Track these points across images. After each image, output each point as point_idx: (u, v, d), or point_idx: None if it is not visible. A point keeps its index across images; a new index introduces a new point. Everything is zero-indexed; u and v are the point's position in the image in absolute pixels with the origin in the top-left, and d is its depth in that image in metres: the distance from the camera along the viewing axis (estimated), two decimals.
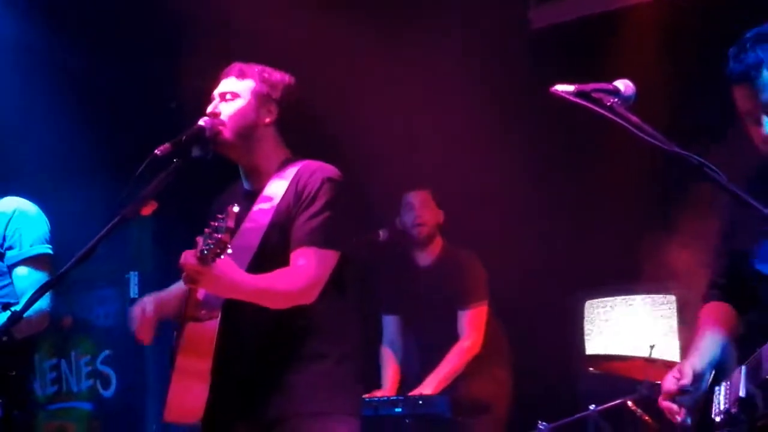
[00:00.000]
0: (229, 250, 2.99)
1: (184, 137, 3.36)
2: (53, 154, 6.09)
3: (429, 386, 5.31)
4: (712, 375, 3.11)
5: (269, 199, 3.40)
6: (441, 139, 6.09)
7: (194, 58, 5.96)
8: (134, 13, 5.93)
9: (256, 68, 3.57)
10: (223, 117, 3.45)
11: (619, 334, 5.77)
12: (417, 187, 5.73)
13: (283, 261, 3.28)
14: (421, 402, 5.14)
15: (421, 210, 5.62)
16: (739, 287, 3.16)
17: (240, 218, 3.23)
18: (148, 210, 4.47)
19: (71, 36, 5.94)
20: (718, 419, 2.99)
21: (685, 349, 3.24)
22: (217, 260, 2.99)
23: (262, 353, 3.31)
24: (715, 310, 3.23)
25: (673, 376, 3.06)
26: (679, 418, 3.03)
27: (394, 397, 5.28)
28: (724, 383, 3.01)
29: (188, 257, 3.04)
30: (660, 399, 3.09)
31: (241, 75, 3.54)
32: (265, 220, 3.35)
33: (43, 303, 3.99)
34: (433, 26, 6.09)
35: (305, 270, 3.25)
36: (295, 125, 3.55)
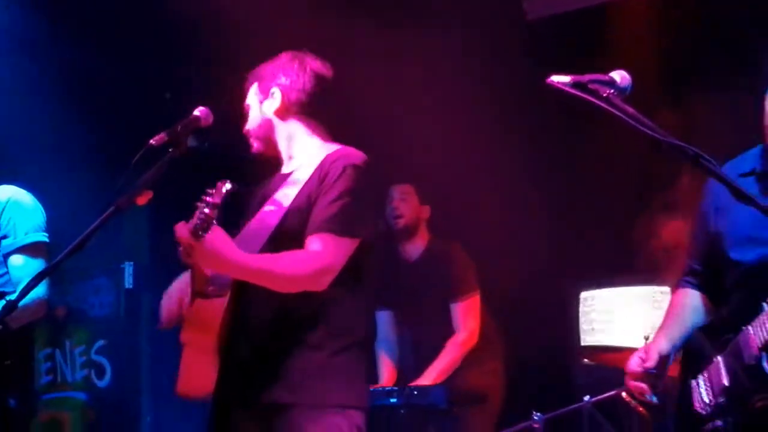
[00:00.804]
0: (214, 227, 2.96)
1: (179, 127, 3.36)
2: (48, 144, 6.08)
3: (427, 378, 5.32)
4: (680, 361, 3.23)
5: (294, 183, 3.36)
6: (435, 132, 6.09)
7: (189, 50, 5.97)
8: (129, 5, 5.91)
9: (259, 69, 3.60)
10: (250, 132, 3.54)
11: (614, 326, 5.78)
12: (402, 181, 5.75)
13: (298, 246, 3.21)
14: (416, 392, 5.14)
15: (398, 202, 5.65)
16: (714, 273, 3.25)
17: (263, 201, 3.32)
18: (143, 200, 4.47)
19: (66, 27, 5.92)
20: (703, 412, 3.05)
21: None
22: (206, 235, 2.96)
23: (263, 338, 3.25)
24: (685, 297, 3.34)
25: (639, 357, 3.18)
26: (647, 397, 3.15)
27: (389, 388, 5.29)
28: (701, 376, 3.07)
29: (181, 230, 3.03)
30: (626, 379, 3.21)
31: (249, 82, 3.59)
32: (286, 204, 3.31)
33: (40, 290, 3.97)
34: (428, 18, 6.08)
35: (318, 256, 3.16)
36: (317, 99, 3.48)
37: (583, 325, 5.99)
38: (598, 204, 5.95)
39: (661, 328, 3.32)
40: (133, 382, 6.97)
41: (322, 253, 3.16)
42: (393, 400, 5.14)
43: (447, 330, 5.51)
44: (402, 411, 5.14)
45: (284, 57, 3.56)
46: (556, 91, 2.68)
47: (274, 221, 3.29)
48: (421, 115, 6.08)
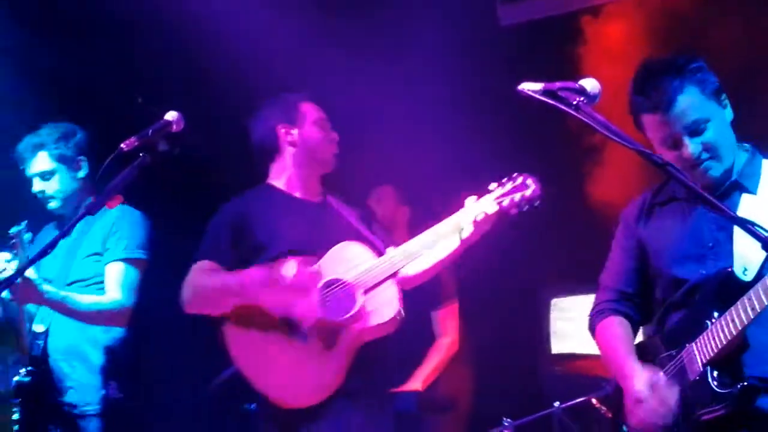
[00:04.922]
0: None
1: (150, 131, 3.34)
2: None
3: (416, 383, 5.30)
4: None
5: (341, 211, 4.15)
6: (409, 135, 6.09)
7: (162, 53, 5.94)
8: (103, 8, 5.87)
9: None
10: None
11: (585, 333, 5.80)
12: (382, 182, 5.76)
13: None
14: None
15: (372, 203, 5.64)
16: (640, 295, 3.32)
17: (322, 219, 4.06)
18: (113, 204, 4.45)
19: (37, 30, 5.88)
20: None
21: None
22: None
23: None
24: (620, 326, 3.32)
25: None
26: None
27: None
28: None
29: None
30: None
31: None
32: (352, 229, 4.08)
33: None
34: (402, 22, 6.09)
35: None
36: None
37: (554, 332, 6.01)
38: (572, 210, 5.96)
39: (634, 365, 3.16)
40: None
41: None
42: None
43: (419, 334, 5.50)
44: None
45: None
46: (527, 98, 2.68)
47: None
48: (396, 119, 6.09)
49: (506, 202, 3.75)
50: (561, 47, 5.96)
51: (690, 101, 3.03)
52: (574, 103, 2.63)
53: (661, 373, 3.06)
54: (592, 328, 3.41)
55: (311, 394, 3.82)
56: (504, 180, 3.82)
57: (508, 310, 6.04)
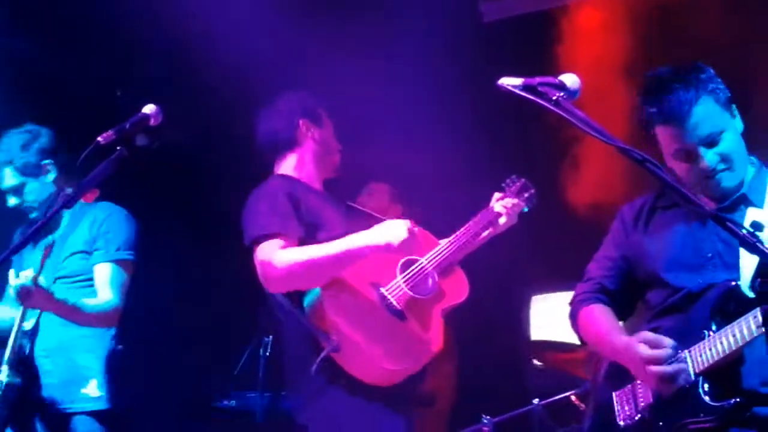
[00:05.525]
0: None
1: (128, 125, 3.31)
2: None
3: None
4: (598, 369, 3.27)
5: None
6: (392, 132, 6.08)
7: (141, 47, 5.91)
8: (99, 7, 5.83)
9: None
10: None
11: (564, 329, 5.81)
12: (376, 180, 5.75)
13: None
14: None
15: (363, 197, 5.63)
16: (627, 296, 3.31)
17: (352, 212, 4.17)
18: (89, 198, 4.43)
19: (15, 21, 5.84)
20: (624, 423, 3.09)
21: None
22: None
23: None
24: (607, 312, 3.30)
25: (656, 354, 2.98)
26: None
27: None
28: (625, 389, 3.12)
29: None
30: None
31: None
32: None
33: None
34: (386, 19, 6.07)
35: None
36: None
37: (535, 328, 6.01)
38: (551, 208, 5.96)
39: (613, 331, 3.19)
40: None
41: None
42: None
43: None
44: None
45: None
46: (507, 93, 2.66)
47: None
48: (377, 117, 6.07)
49: (521, 198, 4.39)
50: (544, 43, 5.96)
51: (705, 112, 3.00)
52: (554, 98, 2.61)
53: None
54: (574, 315, 3.38)
55: (410, 370, 3.88)
56: (509, 182, 4.46)
57: (489, 308, 6.02)
